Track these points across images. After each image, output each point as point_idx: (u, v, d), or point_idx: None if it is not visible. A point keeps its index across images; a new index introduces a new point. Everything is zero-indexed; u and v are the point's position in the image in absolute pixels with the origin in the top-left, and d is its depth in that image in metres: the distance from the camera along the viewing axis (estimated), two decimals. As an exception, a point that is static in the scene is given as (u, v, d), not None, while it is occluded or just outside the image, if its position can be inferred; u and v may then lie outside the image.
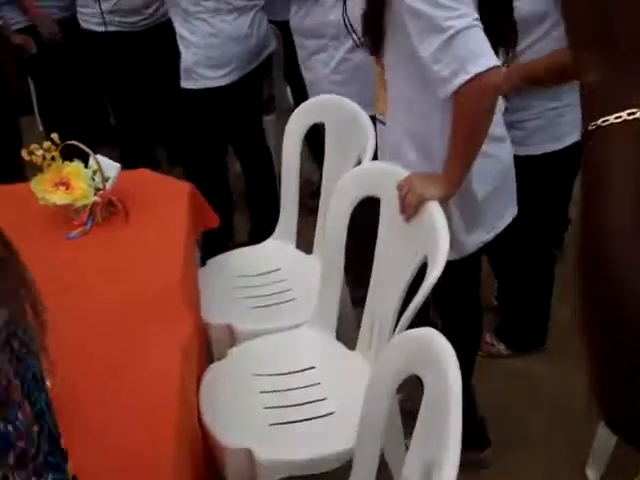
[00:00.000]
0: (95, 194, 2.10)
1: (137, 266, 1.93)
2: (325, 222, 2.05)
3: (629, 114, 0.62)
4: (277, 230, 2.53)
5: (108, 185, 2.11)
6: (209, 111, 2.87)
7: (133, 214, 2.13)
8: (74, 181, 2.08)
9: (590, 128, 0.65)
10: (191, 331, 1.71)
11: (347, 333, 2.15)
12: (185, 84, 2.83)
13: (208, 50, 2.75)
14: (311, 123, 2.37)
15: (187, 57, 2.78)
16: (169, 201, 2.20)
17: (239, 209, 3.39)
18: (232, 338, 2.11)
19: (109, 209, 2.13)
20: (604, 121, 0.63)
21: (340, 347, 2.02)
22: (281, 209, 2.50)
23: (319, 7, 2.48)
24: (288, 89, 3.56)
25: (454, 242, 1.78)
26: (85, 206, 2.09)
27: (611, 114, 0.63)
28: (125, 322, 1.72)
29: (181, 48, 2.79)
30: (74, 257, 1.99)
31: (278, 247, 2.50)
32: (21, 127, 3.40)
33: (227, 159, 3.21)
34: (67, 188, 2.07)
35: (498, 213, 1.91)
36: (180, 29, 2.77)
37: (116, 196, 2.13)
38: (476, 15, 1.55)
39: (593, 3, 0.65)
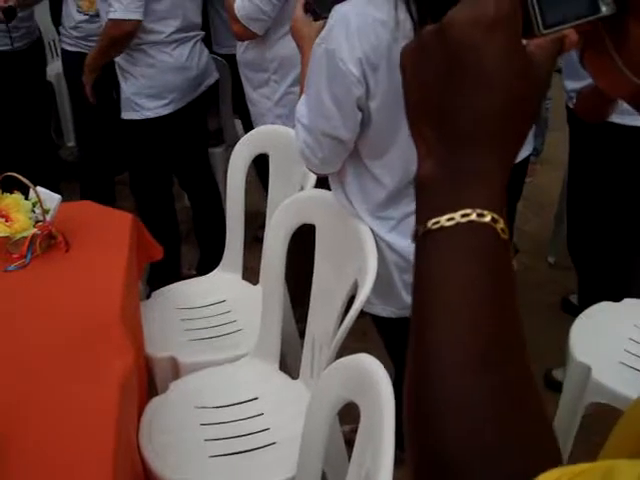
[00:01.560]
0: (35, 226, 2.07)
1: (76, 298, 1.89)
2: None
3: (462, 215, 0.51)
4: (223, 261, 2.51)
5: (48, 217, 2.08)
6: (150, 141, 2.88)
7: (74, 246, 2.10)
8: (13, 213, 2.05)
9: (421, 231, 0.53)
10: (131, 365, 1.68)
11: (293, 363, 2.14)
12: (125, 115, 2.83)
13: (147, 80, 2.76)
14: (255, 154, 2.38)
15: (126, 88, 2.80)
16: (111, 233, 2.17)
17: (188, 241, 3.37)
18: (176, 371, 2.08)
19: (49, 241, 2.10)
20: (435, 223, 0.51)
21: (283, 377, 2.01)
22: (227, 240, 2.49)
23: (261, 41, 2.51)
24: (236, 121, 3.57)
25: (395, 299, 1.77)
26: (25, 238, 2.06)
27: (442, 214, 0.51)
28: (63, 356, 1.68)
29: (120, 79, 2.81)
30: (13, 290, 1.95)
31: (224, 278, 2.49)
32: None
33: (176, 191, 3.20)
34: (6, 220, 2.04)
35: None
36: (119, 60, 2.78)
37: (57, 228, 2.10)
38: None
39: (431, 79, 0.54)
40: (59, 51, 3.87)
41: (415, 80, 0.56)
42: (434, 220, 0.52)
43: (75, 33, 3.34)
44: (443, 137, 0.53)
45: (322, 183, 2.00)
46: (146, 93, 2.77)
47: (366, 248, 1.62)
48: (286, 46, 2.45)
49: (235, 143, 2.50)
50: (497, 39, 0.52)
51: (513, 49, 0.53)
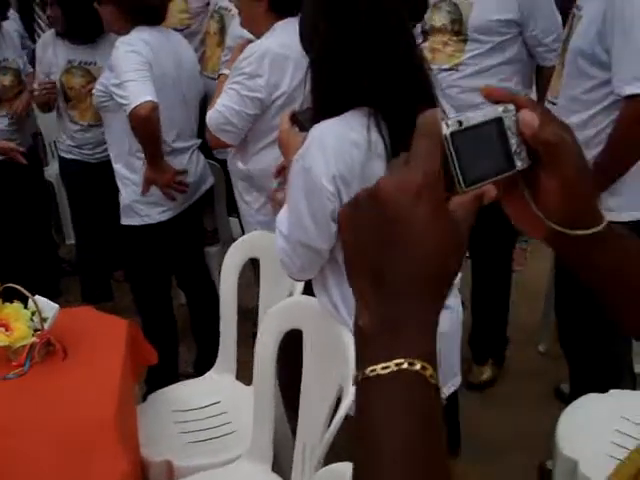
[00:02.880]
0: (34, 334, 2.14)
1: (72, 406, 1.94)
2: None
3: (396, 364, 0.56)
4: (217, 362, 2.56)
5: (46, 326, 2.15)
6: (150, 246, 2.96)
7: (71, 353, 2.15)
8: (13, 322, 2.12)
9: (360, 377, 0.58)
10: (126, 469, 1.72)
11: (287, 464, 2.16)
12: (125, 221, 2.92)
13: None
14: (247, 258, 2.46)
15: (126, 195, 2.89)
16: (107, 339, 2.23)
17: (185, 339, 3.42)
18: (171, 475, 2.10)
19: (47, 349, 2.16)
20: (372, 371, 0.57)
21: (276, 478, 2.04)
22: (220, 342, 2.54)
23: (242, 152, 2.63)
24: (233, 220, 3.67)
25: None
26: (24, 347, 2.12)
27: (379, 363, 0.57)
28: (59, 465, 1.73)
29: (120, 186, 2.90)
30: (11, 399, 2.01)
31: (218, 379, 2.53)
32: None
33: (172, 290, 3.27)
34: (6, 329, 2.11)
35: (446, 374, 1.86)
36: (118, 167, 2.89)
37: (55, 335, 2.17)
38: None
39: (365, 239, 0.60)
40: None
41: (350, 238, 0.61)
42: (371, 368, 0.57)
43: (69, 142, 3.47)
44: (378, 292, 0.59)
45: (311, 289, 2.08)
46: (145, 200, 2.86)
47: (349, 355, 1.68)
48: (264, 159, 2.54)
49: (230, 242, 2.58)
50: (424, 204, 0.58)
51: (438, 212, 0.59)
